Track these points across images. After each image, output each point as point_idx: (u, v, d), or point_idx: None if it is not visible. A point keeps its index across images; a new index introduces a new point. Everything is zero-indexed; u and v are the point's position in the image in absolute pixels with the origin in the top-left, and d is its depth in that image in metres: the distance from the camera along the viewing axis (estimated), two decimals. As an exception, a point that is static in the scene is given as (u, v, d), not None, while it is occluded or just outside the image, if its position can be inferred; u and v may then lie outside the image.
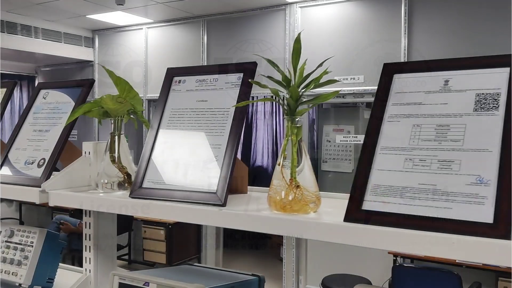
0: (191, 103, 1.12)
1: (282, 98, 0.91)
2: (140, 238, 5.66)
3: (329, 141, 5.28)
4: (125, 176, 1.18)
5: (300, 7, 4.95)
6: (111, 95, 1.16)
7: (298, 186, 0.90)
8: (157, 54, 5.97)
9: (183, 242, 5.40)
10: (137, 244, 5.81)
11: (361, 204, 0.80)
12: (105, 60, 6.41)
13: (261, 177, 7.03)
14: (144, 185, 1.07)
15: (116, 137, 1.20)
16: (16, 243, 1.34)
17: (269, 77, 0.95)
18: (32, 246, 1.31)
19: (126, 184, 1.17)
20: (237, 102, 1.05)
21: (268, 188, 0.93)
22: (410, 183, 0.78)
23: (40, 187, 1.20)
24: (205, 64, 5.57)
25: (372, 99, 4.88)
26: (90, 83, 1.36)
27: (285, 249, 5.04)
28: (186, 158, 1.05)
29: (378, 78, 0.92)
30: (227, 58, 5.37)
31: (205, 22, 5.59)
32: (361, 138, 4.82)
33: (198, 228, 5.58)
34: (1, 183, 1.29)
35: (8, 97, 1.54)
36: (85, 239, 1.26)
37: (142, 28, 6.05)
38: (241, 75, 1.08)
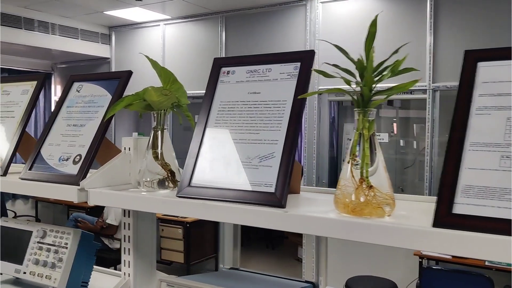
0: (242, 95, 1.03)
1: (353, 88, 0.82)
2: (157, 237, 5.60)
3: (350, 140, 5.16)
4: (169, 174, 1.10)
5: (321, 2, 4.84)
6: (155, 87, 1.08)
7: (371, 187, 0.81)
8: (175, 51, 5.91)
9: (200, 241, 5.33)
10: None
11: (451, 207, 0.71)
12: (121, 57, 6.37)
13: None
14: (193, 184, 0.99)
15: (159, 132, 1.12)
16: (49, 244, 1.27)
17: (335, 65, 0.86)
18: (67, 248, 1.24)
19: (169, 183, 1.09)
20: (296, 94, 0.96)
21: (318, 188, 0.84)
22: (510, 184, 0.69)
23: (77, 185, 1.12)
24: (223, 61, 5.48)
25: (405, 96, 4.76)
26: (128, 74, 1.28)
27: (305, 249, 4.94)
28: (238, 155, 0.97)
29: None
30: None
31: (223, 18, 5.51)
32: (384, 137, 4.71)
33: (215, 227, 5.51)
34: (34, 180, 1.22)
35: (39, 90, 1.46)
36: (124, 241, 1.18)
37: (159, 25, 5.99)
38: (298, 64, 1.00)
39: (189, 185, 0.99)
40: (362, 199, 0.81)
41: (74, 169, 1.19)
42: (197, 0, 5.13)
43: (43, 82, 1.48)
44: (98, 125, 1.23)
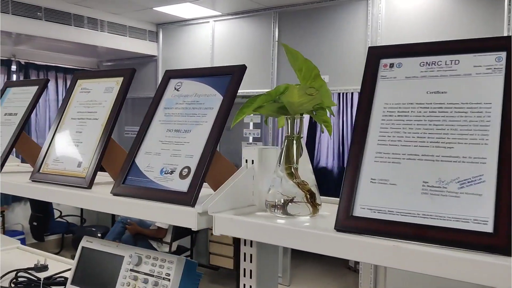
0: (418, 96, 0.78)
1: None
2: (205, 241, 5.42)
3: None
4: (307, 195, 0.86)
5: (384, -4, 4.54)
6: (297, 85, 0.84)
7: None
8: (224, 49, 5.70)
9: (250, 246, 5.10)
10: (201, 246, 5.57)
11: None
12: (169, 55, 6.22)
13: (326, 180, 6.65)
14: (356, 213, 0.74)
15: (294, 141, 0.88)
16: (146, 274, 1.05)
17: None
18: (169, 280, 1.02)
19: (309, 207, 0.85)
20: (506, 94, 0.70)
21: None
22: None
23: (190, 205, 0.90)
24: (275, 60, 5.25)
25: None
26: (241, 70, 1.05)
27: (363, 259, 4.64)
28: (422, 176, 0.72)
29: None
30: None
31: (276, 14, 5.27)
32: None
33: (265, 232, 5.27)
34: (132, 197, 1.00)
35: (126, 88, 1.25)
36: (244, 276, 0.95)
37: (208, 22, 5.80)
38: (502, 54, 0.74)
39: (350, 215, 0.74)
40: None
41: (182, 185, 0.96)
42: (250, -5, 4.92)
43: (131, 78, 1.26)
44: (208, 131, 1.00)
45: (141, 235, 4.73)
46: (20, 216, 6.22)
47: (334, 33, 4.87)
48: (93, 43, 5.63)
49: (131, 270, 1.07)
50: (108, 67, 6.99)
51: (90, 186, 1.14)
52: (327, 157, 7.08)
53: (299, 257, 6.42)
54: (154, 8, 5.47)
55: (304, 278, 5.66)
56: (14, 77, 6.04)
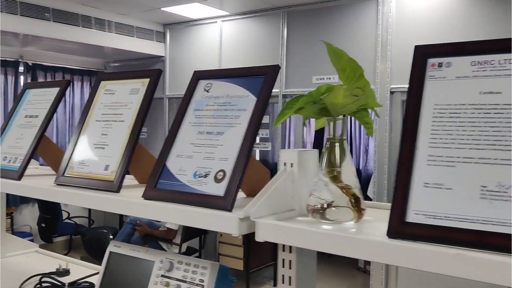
0: (470, 96, 0.75)
1: None
2: (214, 242, 5.40)
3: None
4: (352, 200, 0.83)
5: (395, -5, 4.50)
6: (342, 85, 0.81)
7: None
8: (232, 50, 5.68)
9: (259, 248, 5.08)
10: (210, 248, 5.55)
11: None
12: (176, 56, 6.19)
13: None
14: (410, 219, 0.71)
15: (337, 144, 0.85)
16: (179, 280, 1.02)
17: None
18: (203, 286, 0.99)
19: (354, 212, 0.82)
20: None
21: None
22: None
23: (227, 209, 0.87)
24: (284, 60, 5.22)
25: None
26: (275, 70, 1.02)
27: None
28: (480, 180, 0.69)
29: None
30: (310, 54, 4.99)
31: (285, 14, 5.24)
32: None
33: (275, 233, 5.24)
34: (165, 201, 0.98)
35: (153, 89, 1.23)
36: (282, 283, 0.92)
37: (216, 22, 5.77)
38: (561, 53, 0.71)
39: (403, 220, 0.72)
40: None
41: (217, 189, 0.94)
42: (258, -5, 4.89)
43: (157, 79, 1.24)
44: (243, 134, 0.97)
45: (151, 236, 4.71)
46: (28, 218, 6.21)
47: (343, 32, 4.84)
48: (100, 44, 5.61)
49: (162, 276, 1.05)
50: (115, 68, 6.98)
51: (118, 190, 1.11)
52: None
53: (308, 258, 6.36)
54: (162, 9, 5.45)
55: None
56: (22, 78, 6.03)
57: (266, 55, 5.36)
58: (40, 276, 1.38)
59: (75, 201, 1.16)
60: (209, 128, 1.04)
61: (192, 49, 6.04)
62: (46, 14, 5.06)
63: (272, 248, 5.27)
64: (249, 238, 4.92)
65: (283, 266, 0.92)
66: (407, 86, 0.80)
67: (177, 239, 4.76)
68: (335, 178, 0.84)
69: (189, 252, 5.08)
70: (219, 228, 0.86)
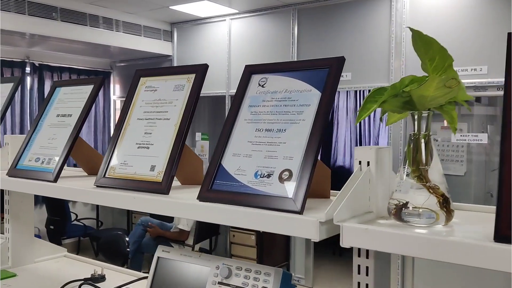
0: None
1: None
2: (226, 243, 5.33)
3: (436, 140, 4.74)
4: (440, 201, 0.77)
5: (409, -9, 4.44)
6: (435, 76, 0.74)
7: None
8: (241, 48, 5.61)
9: (272, 248, 5.02)
10: (221, 249, 5.48)
11: None
12: (183, 54, 6.13)
13: (342, 179, 6.54)
14: (519, 221, 0.65)
15: (422, 140, 0.79)
16: (239, 288, 0.96)
17: None
18: (267, 294, 0.92)
19: (444, 214, 0.76)
20: None
21: None
22: None
23: (298, 212, 0.81)
24: (295, 59, 5.15)
25: (497, 93, 4.32)
26: (339, 62, 0.96)
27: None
28: None
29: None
30: (322, 52, 4.92)
31: (295, 11, 5.17)
32: (482, 137, 4.26)
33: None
34: (223, 203, 0.91)
35: (199, 85, 1.16)
36: (358, 290, 0.85)
37: (225, 20, 5.70)
38: None
39: (510, 223, 0.65)
40: None
41: (283, 190, 0.87)
42: (268, -8, 4.82)
43: (204, 75, 1.17)
44: (308, 131, 0.91)
45: (163, 237, 4.64)
46: (36, 220, 6.14)
47: (356, 29, 4.77)
48: (108, 43, 5.54)
49: (219, 283, 0.98)
50: (122, 67, 6.91)
51: (168, 191, 1.05)
52: (344, 155, 6.99)
53: (320, 257, 6.32)
54: (170, 7, 5.38)
55: (327, 278, 5.56)
56: (29, 79, 5.96)
57: (277, 54, 5.29)
58: (80, 282, 1.31)
59: (121, 204, 1.09)
60: (268, 125, 0.98)
61: (200, 48, 5.97)
62: (54, 14, 4.99)
63: (285, 249, 5.21)
64: (262, 238, 4.86)
65: (359, 273, 0.85)
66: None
67: (190, 240, 4.70)
68: (421, 177, 0.78)
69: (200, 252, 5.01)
70: (294, 232, 0.79)
